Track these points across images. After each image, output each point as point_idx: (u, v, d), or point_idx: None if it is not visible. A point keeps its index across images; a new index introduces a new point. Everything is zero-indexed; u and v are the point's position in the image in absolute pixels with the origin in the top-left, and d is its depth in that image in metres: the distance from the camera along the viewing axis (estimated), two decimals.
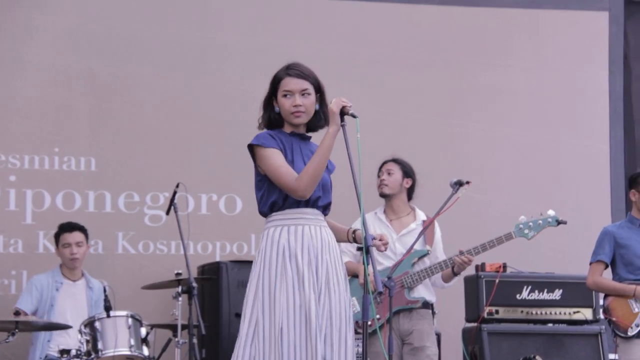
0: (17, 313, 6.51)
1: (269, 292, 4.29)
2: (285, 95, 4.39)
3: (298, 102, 4.36)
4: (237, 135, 8.09)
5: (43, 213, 7.82)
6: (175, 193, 6.85)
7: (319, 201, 4.36)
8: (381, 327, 5.94)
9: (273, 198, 4.36)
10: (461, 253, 6.03)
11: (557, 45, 8.87)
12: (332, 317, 4.26)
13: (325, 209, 4.41)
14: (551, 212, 6.23)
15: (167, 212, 6.94)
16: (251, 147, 4.41)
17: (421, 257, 6.13)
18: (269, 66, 8.35)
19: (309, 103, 4.37)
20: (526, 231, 6.17)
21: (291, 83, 4.39)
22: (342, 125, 4.28)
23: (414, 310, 6.08)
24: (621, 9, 9.01)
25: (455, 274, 6.14)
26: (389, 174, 6.27)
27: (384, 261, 6.05)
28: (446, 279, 6.20)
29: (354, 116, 4.27)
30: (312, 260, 4.29)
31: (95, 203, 7.92)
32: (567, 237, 8.19)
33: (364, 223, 4.11)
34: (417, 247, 6.09)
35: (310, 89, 4.40)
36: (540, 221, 6.19)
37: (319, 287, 4.27)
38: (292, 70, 4.42)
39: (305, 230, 4.32)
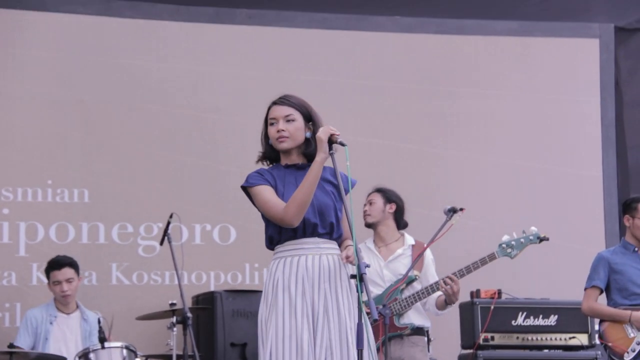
0: (11, 346, 6.48)
1: (263, 324, 4.34)
2: (271, 124, 4.46)
3: (281, 127, 4.39)
4: (231, 165, 8.18)
5: (36, 245, 7.81)
6: (169, 223, 6.84)
7: (317, 228, 4.36)
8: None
9: (269, 232, 4.44)
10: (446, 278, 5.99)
11: (548, 73, 8.91)
12: (332, 347, 4.24)
13: (329, 235, 4.39)
14: (533, 229, 6.21)
15: (161, 243, 6.92)
16: (244, 189, 4.43)
17: (409, 283, 6.11)
18: (261, 97, 8.36)
19: (293, 129, 4.41)
20: (509, 250, 6.15)
21: (275, 110, 4.47)
22: (331, 154, 4.29)
23: (405, 337, 6.06)
24: (612, 36, 9.06)
25: (447, 303, 6.10)
26: (370, 204, 6.32)
27: (373, 289, 6.03)
28: (439, 307, 6.17)
29: (342, 144, 4.28)
30: (307, 290, 4.29)
31: (88, 234, 7.91)
32: (561, 262, 8.21)
33: (356, 251, 4.11)
34: (404, 272, 6.09)
35: (296, 115, 4.43)
36: (522, 239, 6.18)
37: (316, 317, 4.26)
38: (279, 99, 4.51)
39: (302, 260, 4.33)
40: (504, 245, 6.14)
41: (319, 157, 4.30)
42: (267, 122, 4.50)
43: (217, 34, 8.41)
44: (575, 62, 8.99)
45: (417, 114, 8.62)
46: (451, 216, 5.98)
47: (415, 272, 6.13)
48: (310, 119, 4.46)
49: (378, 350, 5.88)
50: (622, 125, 9.07)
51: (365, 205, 6.32)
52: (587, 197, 8.78)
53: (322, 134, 4.30)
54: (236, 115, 8.29)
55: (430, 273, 6.24)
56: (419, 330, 6.13)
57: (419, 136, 8.60)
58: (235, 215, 8.12)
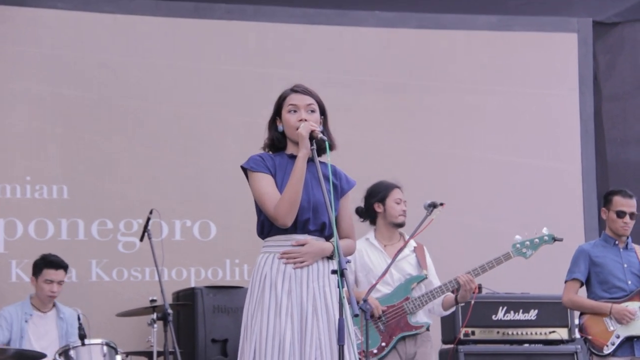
0: None
1: (247, 320, 4.31)
2: (290, 111, 4.38)
3: (304, 116, 4.35)
4: (211, 161, 8.17)
5: (15, 242, 7.77)
6: (148, 219, 6.82)
7: (308, 224, 4.33)
8: (387, 354, 5.92)
9: (262, 219, 4.37)
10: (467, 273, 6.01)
11: (527, 67, 8.94)
12: (322, 346, 4.22)
13: (320, 232, 4.36)
14: (545, 230, 6.21)
15: (141, 239, 6.90)
16: (244, 169, 4.40)
17: (419, 282, 6.10)
18: (240, 92, 8.46)
19: (314, 119, 4.36)
20: (524, 250, 6.14)
21: (297, 98, 4.39)
22: (312, 150, 4.28)
23: (418, 335, 6.06)
24: (590, 31, 9.10)
25: (457, 302, 6.10)
26: (404, 203, 6.23)
27: (382, 288, 6.01)
28: (446, 307, 6.16)
29: (323, 140, 4.26)
30: (295, 288, 4.26)
31: (68, 231, 7.88)
32: (541, 256, 8.19)
33: (337, 245, 4.09)
34: (413, 272, 6.08)
35: (315, 107, 4.40)
36: (537, 239, 6.17)
37: (305, 316, 4.24)
38: (298, 87, 4.44)
39: None
40: (518, 245, 6.13)
41: (301, 153, 4.27)
42: (281, 108, 4.41)
43: (196, 29, 8.38)
44: (554, 56, 9.02)
45: (398, 109, 8.63)
46: (431, 211, 5.94)
47: (424, 272, 6.12)
48: (323, 112, 4.44)
49: (393, 348, 5.92)
50: (601, 119, 9.11)
51: (400, 202, 6.19)
52: (566, 191, 8.82)
53: (303, 130, 4.28)
54: (216, 110, 8.28)
55: (432, 273, 6.23)
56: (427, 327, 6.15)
57: (398, 131, 8.61)
58: (216, 211, 8.11)
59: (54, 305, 7.08)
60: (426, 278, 6.09)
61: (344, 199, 4.46)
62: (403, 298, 6.02)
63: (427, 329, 6.13)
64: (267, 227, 4.36)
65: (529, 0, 8.88)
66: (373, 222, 6.22)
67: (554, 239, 6.17)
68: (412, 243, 6.21)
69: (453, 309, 6.19)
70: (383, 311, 5.90)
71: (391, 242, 6.19)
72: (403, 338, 5.99)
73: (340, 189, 4.44)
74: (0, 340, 6.85)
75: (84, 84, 8.08)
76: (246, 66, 8.35)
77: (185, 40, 8.35)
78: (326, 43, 8.60)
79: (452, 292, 6.06)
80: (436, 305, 6.12)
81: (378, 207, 6.16)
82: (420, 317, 6.07)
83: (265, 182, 4.32)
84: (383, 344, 5.88)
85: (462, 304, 6.18)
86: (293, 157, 4.36)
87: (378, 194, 6.18)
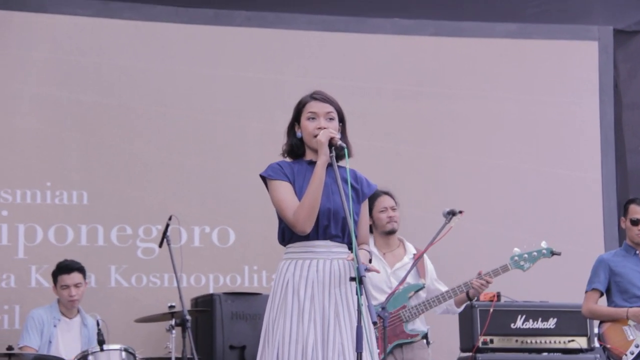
0: (10, 348, 6.46)
1: (269, 325, 4.31)
2: (309, 118, 4.39)
3: (323, 124, 4.36)
4: (230, 167, 8.18)
5: (35, 247, 7.80)
6: (168, 225, 6.84)
7: (329, 229, 4.33)
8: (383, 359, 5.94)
9: (282, 226, 4.38)
10: (479, 276, 6.04)
11: (547, 75, 8.91)
12: (345, 351, 4.22)
13: (341, 238, 4.35)
14: (544, 244, 6.23)
15: (160, 245, 6.92)
16: (262, 178, 4.41)
17: (417, 291, 6.13)
18: (259, 99, 8.47)
19: (333, 127, 4.36)
20: (522, 263, 6.17)
21: (316, 106, 4.40)
22: (331, 156, 4.28)
23: (415, 342, 6.09)
24: (610, 39, 9.06)
25: (470, 299, 6.15)
26: (393, 209, 6.25)
27: (379, 296, 6.03)
28: (459, 304, 6.20)
29: (342, 147, 4.27)
30: (317, 294, 4.27)
31: (87, 236, 7.90)
32: (560, 265, 8.17)
33: (355, 254, 4.10)
34: (411, 281, 6.10)
35: (334, 114, 4.41)
36: (535, 252, 6.19)
37: (327, 322, 4.25)
38: (318, 94, 4.44)
39: (312, 264, 4.31)
40: (516, 258, 6.16)
41: (320, 161, 4.28)
42: (300, 115, 4.42)
43: (216, 36, 8.41)
44: (574, 64, 8.99)
45: (416, 116, 8.62)
46: (450, 219, 5.95)
47: (421, 280, 6.15)
48: (342, 119, 4.45)
49: (390, 353, 5.93)
50: (621, 128, 9.08)
51: (386, 209, 6.24)
52: (586, 200, 8.78)
53: (322, 137, 4.29)
54: (235, 117, 8.29)
55: (434, 278, 6.24)
56: (424, 335, 6.18)
57: (417, 138, 8.60)
58: (235, 217, 8.12)
59: (79, 312, 7.10)
60: (423, 287, 6.13)
61: (363, 205, 4.46)
62: (400, 306, 6.04)
63: (425, 338, 6.15)
64: (287, 234, 4.38)
65: (548, 8, 8.86)
66: (371, 231, 6.26)
67: (552, 253, 6.20)
68: (412, 250, 6.23)
69: (466, 303, 6.22)
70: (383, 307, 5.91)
71: (390, 249, 6.24)
72: (400, 345, 6.02)
73: (362, 193, 4.45)
74: (35, 344, 6.88)
75: (103, 90, 8.11)
76: (265, 73, 8.37)
77: (205, 47, 8.38)
78: (344, 50, 8.60)
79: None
80: (449, 305, 6.16)
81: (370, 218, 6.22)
82: (417, 325, 6.10)
83: (284, 189, 4.34)
84: (377, 350, 5.90)
85: (475, 302, 6.20)
86: (312, 164, 4.37)
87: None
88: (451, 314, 6.33)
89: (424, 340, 6.18)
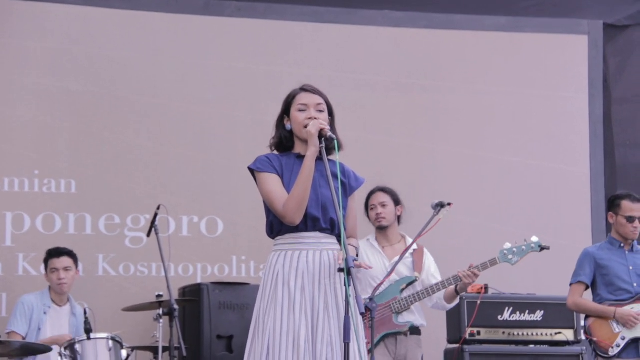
0: None
1: (260, 316, 4.32)
2: (300, 110, 4.40)
3: (313, 115, 4.37)
4: (220, 157, 8.17)
5: (23, 235, 7.78)
6: (156, 215, 6.84)
7: (319, 222, 4.35)
8: (370, 350, 5.95)
9: (270, 219, 4.40)
10: (469, 268, 6.07)
11: (537, 69, 8.92)
12: (334, 342, 4.24)
13: (330, 230, 4.38)
14: (535, 239, 6.26)
15: (148, 234, 6.91)
16: (251, 170, 4.42)
17: (410, 284, 6.15)
18: (249, 89, 8.46)
19: (323, 119, 4.38)
20: (510, 257, 6.21)
21: (307, 97, 4.42)
22: (321, 147, 4.29)
23: (410, 336, 6.13)
24: (600, 33, 9.07)
25: (457, 293, 6.16)
26: (383, 206, 6.29)
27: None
28: (448, 299, 6.23)
29: (332, 138, 4.28)
30: (307, 286, 4.29)
31: (75, 225, 7.89)
32: (548, 258, 8.18)
33: (344, 246, 4.11)
34: (406, 273, 6.13)
35: (324, 107, 4.43)
36: (524, 247, 6.23)
37: (316, 313, 4.26)
38: (308, 86, 4.47)
39: (302, 255, 4.33)
40: (505, 252, 6.21)
41: (309, 152, 4.29)
42: (290, 107, 4.44)
43: (207, 26, 8.39)
44: (564, 58, 9.01)
45: (406, 109, 8.63)
46: (439, 211, 5.98)
47: (415, 274, 6.18)
48: (331, 113, 4.46)
49: (378, 344, 5.95)
50: (610, 122, 9.09)
51: (375, 207, 6.29)
52: (575, 194, 8.80)
53: (312, 129, 4.29)
54: (224, 107, 8.28)
55: (431, 273, 6.27)
56: (417, 330, 6.22)
57: (407, 131, 8.61)
58: (223, 207, 8.12)
59: (68, 300, 7.10)
60: (416, 280, 6.16)
61: (351, 198, 4.47)
62: (391, 298, 6.07)
63: (419, 332, 6.16)
64: (276, 226, 4.39)
65: (539, 2, 8.87)
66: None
67: (541, 247, 6.23)
68: (414, 245, 6.25)
69: (457, 301, 6.24)
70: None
71: (390, 243, 6.30)
72: (394, 337, 6.03)
73: (349, 187, 4.46)
74: (22, 331, 6.87)
75: (93, 80, 8.09)
76: (255, 64, 8.36)
77: (195, 37, 8.36)
78: (335, 42, 8.59)
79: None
80: (439, 300, 6.18)
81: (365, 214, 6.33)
82: (408, 317, 6.11)
83: (272, 181, 4.35)
84: (366, 340, 5.91)
85: (463, 294, 6.27)
86: (300, 157, 4.38)
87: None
88: (441, 309, 6.35)
89: (419, 337, 6.21)
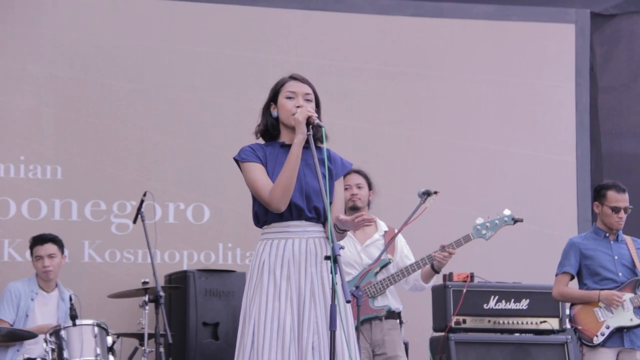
0: None
1: (246, 305, 4.33)
2: (288, 97, 4.39)
3: (301, 103, 4.36)
4: (206, 144, 8.16)
5: (8, 221, 7.76)
6: (142, 202, 6.83)
7: (303, 212, 4.34)
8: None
9: (255, 209, 4.40)
10: (442, 248, 6.04)
11: (524, 57, 8.93)
12: (320, 330, 4.24)
13: (316, 219, 4.37)
14: (507, 212, 6.23)
15: (134, 221, 6.91)
16: (236, 161, 4.42)
17: (384, 267, 6.14)
18: (237, 76, 8.44)
19: (311, 108, 4.37)
20: (483, 232, 6.16)
21: (295, 85, 4.41)
22: (309, 135, 4.29)
23: (385, 320, 6.10)
24: (587, 22, 9.09)
25: (435, 271, 6.14)
26: (359, 187, 6.26)
27: (350, 271, 6.07)
28: (426, 279, 6.19)
29: (319, 126, 4.27)
30: (293, 274, 4.29)
31: (61, 211, 7.87)
32: (534, 247, 8.25)
33: (331, 232, 4.11)
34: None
35: (312, 97, 4.42)
36: (497, 221, 6.19)
37: (302, 301, 4.27)
38: (297, 75, 4.46)
39: (288, 244, 4.32)
40: (478, 227, 6.16)
41: (297, 139, 4.29)
42: (278, 94, 4.42)
43: (194, 13, 8.36)
44: (551, 47, 9.02)
45: (393, 96, 8.63)
46: (425, 199, 5.98)
47: (388, 256, 6.16)
48: (318, 104, 4.46)
49: (358, 332, 5.95)
50: (597, 111, 9.12)
51: (351, 187, 6.26)
52: (561, 182, 8.83)
53: (300, 116, 4.29)
54: (212, 94, 8.27)
55: (405, 254, 6.26)
56: (393, 314, 6.17)
57: (394, 118, 8.61)
58: (209, 194, 8.11)
59: (57, 286, 7.08)
60: (389, 263, 6.13)
61: (337, 183, 4.47)
62: (366, 282, 6.06)
63: (397, 317, 6.15)
64: (261, 216, 4.39)
65: None
66: None
67: (514, 220, 6.20)
68: (383, 227, 6.24)
69: (434, 279, 6.22)
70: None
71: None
72: (369, 322, 6.03)
73: (335, 173, 4.46)
74: (10, 318, 6.85)
75: (80, 66, 8.06)
76: (243, 51, 8.34)
77: (183, 23, 8.34)
78: (323, 29, 8.58)
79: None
80: (415, 280, 6.16)
81: None
82: (383, 301, 6.10)
83: (256, 170, 4.35)
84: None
85: (449, 283, 6.19)
86: (285, 147, 4.38)
87: None
88: (420, 290, 6.31)
89: (397, 321, 6.19)
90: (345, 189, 6.24)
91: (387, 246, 6.03)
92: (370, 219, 4.30)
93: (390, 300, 6.16)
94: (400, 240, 6.29)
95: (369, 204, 6.34)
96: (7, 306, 6.91)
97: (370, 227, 6.28)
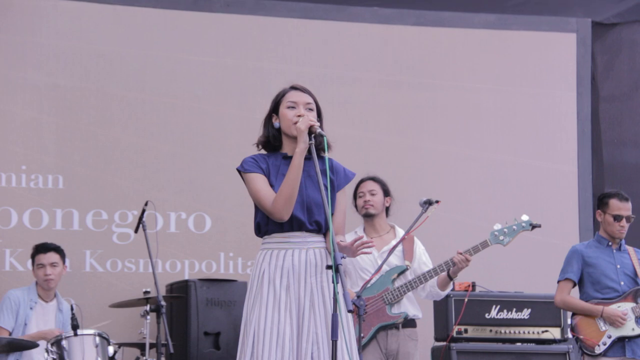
0: None
1: (247, 315, 4.33)
2: (289, 107, 4.40)
3: (302, 112, 4.36)
4: (207, 154, 8.17)
5: (10, 231, 7.76)
6: (144, 211, 6.82)
7: (304, 225, 4.35)
8: (364, 345, 5.93)
9: (257, 219, 4.41)
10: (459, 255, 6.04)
11: (525, 66, 8.93)
12: (319, 341, 4.24)
13: (317, 231, 4.38)
14: (525, 217, 6.22)
15: (136, 230, 6.90)
16: (239, 172, 4.43)
17: (401, 273, 6.12)
18: (238, 86, 8.45)
19: (313, 117, 4.37)
20: (501, 237, 6.15)
21: (296, 96, 4.42)
22: (310, 144, 4.28)
23: (402, 329, 6.08)
24: (589, 31, 9.09)
25: (450, 278, 6.12)
26: (372, 194, 6.26)
27: (366, 276, 6.05)
28: (442, 286, 6.18)
29: (321, 135, 4.27)
30: (293, 284, 4.29)
31: (62, 221, 7.87)
32: (535, 256, 8.23)
33: (332, 242, 4.10)
34: (397, 262, 6.11)
35: (313, 106, 4.43)
36: (515, 226, 6.19)
37: (302, 311, 4.27)
38: (297, 85, 4.47)
39: (288, 254, 4.33)
40: (496, 233, 6.15)
41: (298, 148, 4.29)
42: (279, 105, 4.43)
43: (195, 22, 8.37)
44: (552, 56, 9.02)
45: (394, 105, 8.63)
46: (427, 208, 5.97)
47: (406, 262, 6.14)
48: (319, 113, 4.46)
49: (372, 339, 5.94)
50: (598, 120, 9.11)
51: (363, 194, 6.26)
52: (562, 192, 8.82)
53: (302, 125, 4.29)
54: (213, 103, 8.28)
55: (423, 262, 6.24)
56: (412, 322, 6.15)
57: (395, 127, 8.61)
58: (211, 204, 8.11)
59: (55, 296, 7.07)
60: (407, 269, 6.12)
61: (339, 194, 4.46)
62: (383, 289, 6.05)
63: (414, 325, 6.13)
64: (263, 226, 4.40)
65: None
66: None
67: (532, 226, 6.19)
68: (402, 234, 6.23)
69: (450, 287, 6.20)
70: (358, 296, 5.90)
71: (378, 234, 6.26)
72: (385, 330, 6.02)
73: (337, 184, 4.45)
74: (9, 326, 6.84)
75: (81, 75, 8.07)
76: (244, 60, 8.35)
77: (184, 33, 8.35)
78: (324, 38, 8.59)
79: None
80: (431, 286, 6.14)
81: (353, 204, 6.29)
82: (400, 308, 6.08)
83: (259, 181, 4.36)
84: (362, 334, 5.90)
85: (450, 292, 6.22)
86: (287, 158, 4.39)
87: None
88: (436, 298, 6.30)
89: (415, 329, 6.16)
90: (359, 196, 6.26)
91: (390, 253, 6.00)
92: (370, 243, 4.28)
93: (408, 307, 6.14)
94: (419, 247, 6.29)
95: (387, 211, 6.34)
96: (6, 314, 6.90)
97: (389, 233, 6.28)
